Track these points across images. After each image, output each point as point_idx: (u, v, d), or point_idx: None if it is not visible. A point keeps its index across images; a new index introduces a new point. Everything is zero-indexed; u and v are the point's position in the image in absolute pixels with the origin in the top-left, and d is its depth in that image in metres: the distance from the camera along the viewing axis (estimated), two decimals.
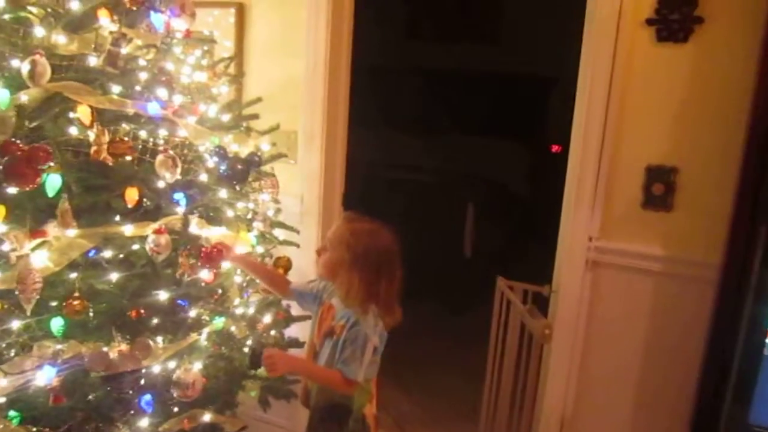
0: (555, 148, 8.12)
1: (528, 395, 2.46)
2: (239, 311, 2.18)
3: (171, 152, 1.88)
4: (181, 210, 1.96)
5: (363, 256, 1.80)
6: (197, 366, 1.99)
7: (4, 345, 1.72)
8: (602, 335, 2.38)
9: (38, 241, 1.73)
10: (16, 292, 1.64)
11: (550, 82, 6.38)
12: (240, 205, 2.32)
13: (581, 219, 2.33)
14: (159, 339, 1.85)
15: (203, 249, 1.93)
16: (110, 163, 1.80)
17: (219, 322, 2.08)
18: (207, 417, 1.99)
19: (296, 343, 2.41)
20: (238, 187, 2.27)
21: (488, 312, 2.79)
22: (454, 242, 4.69)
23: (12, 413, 1.76)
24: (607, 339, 2.38)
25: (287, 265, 2.42)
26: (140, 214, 1.88)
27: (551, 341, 2.02)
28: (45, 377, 1.73)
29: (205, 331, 2.01)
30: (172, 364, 1.90)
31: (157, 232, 1.85)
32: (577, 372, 2.41)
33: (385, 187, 4.66)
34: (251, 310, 2.24)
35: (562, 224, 2.54)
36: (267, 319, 2.36)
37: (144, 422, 1.87)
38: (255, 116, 2.51)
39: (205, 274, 2.03)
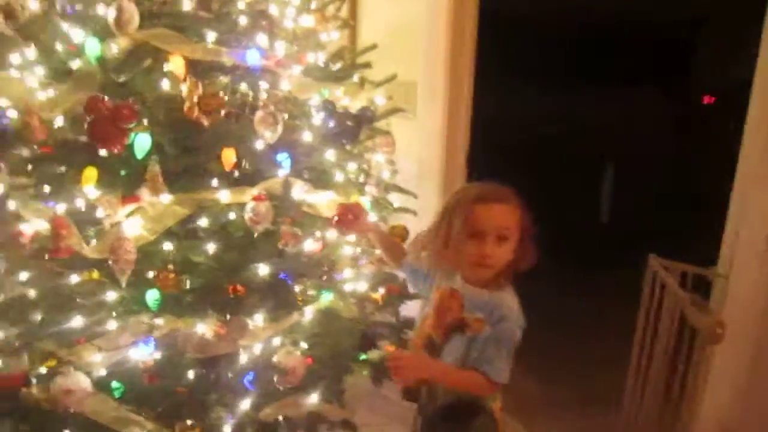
0: (707, 100, 7.19)
1: (684, 397, 2.05)
2: (348, 287, 1.94)
3: (272, 108, 1.65)
4: (283, 173, 1.73)
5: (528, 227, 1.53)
6: (301, 348, 1.80)
7: (98, 318, 1.60)
8: None
9: (131, 207, 1.58)
10: (110, 262, 1.50)
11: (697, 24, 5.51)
12: (350, 166, 2.06)
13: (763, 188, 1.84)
14: (258, 318, 1.66)
15: (337, 211, 1.78)
16: (204, 122, 1.60)
17: (326, 298, 1.86)
18: (310, 404, 1.78)
19: (412, 324, 2.16)
20: (348, 147, 2.01)
21: (623, 292, 2.35)
22: (590, 208, 4.20)
23: (115, 384, 1.66)
24: None
25: (403, 235, 2.15)
26: (238, 178, 1.68)
27: (721, 342, 1.62)
28: (140, 354, 1.61)
29: (310, 309, 1.79)
30: (272, 346, 1.71)
31: (257, 199, 1.64)
32: (746, 375, 1.97)
33: (514, 147, 4.23)
34: (361, 286, 1.99)
35: (737, 193, 2.06)
36: (379, 293, 2.11)
37: (243, 405, 1.70)
38: (368, 65, 2.22)
39: (310, 245, 1.81)
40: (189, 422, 1.64)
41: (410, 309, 2.23)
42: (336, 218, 1.77)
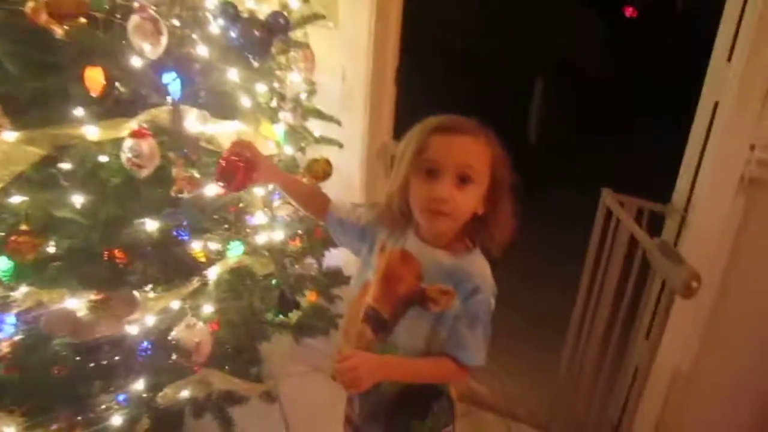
0: (628, 12, 7.02)
1: (631, 336, 1.91)
2: (261, 238, 1.60)
3: (152, 12, 1.24)
4: (171, 99, 1.34)
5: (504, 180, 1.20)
6: (205, 314, 1.47)
7: None
8: (746, 278, 1.78)
9: None
10: None
11: None
12: (259, 88, 1.68)
13: (744, 117, 1.63)
14: (149, 289, 1.31)
15: (220, 163, 1.27)
16: (57, 30, 1.18)
17: (234, 253, 1.52)
18: (221, 381, 1.48)
19: (339, 278, 1.86)
20: (255, 63, 1.62)
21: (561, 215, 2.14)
22: (517, 127, 3.97)
23: None
24: (751, 283, 1.78)
25: (326, 171, 1.82)
26: (111, 108, 1.27)
27: (693, 296, 1.43)
28: None
29: (215, 269, 1.45)
30: (169, 318, 1.38)
31: (137, 134, 1.25)
32: (704, 321, 1.84)
33: (441, 59, 3.87)
34: (277, 234, 1.66)
35: (699, 120, 1.85)
36: (298, 237, 1.79)
37: (137, 389, 1.38)
38: None
39: (211, 190, 1.44)
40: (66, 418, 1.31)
41: (337, 258, 1.94)
42: (220, 170, 1.26)
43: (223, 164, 1.25)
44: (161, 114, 1.33)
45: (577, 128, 4.53)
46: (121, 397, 1.37)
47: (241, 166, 1.24)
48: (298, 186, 1.52)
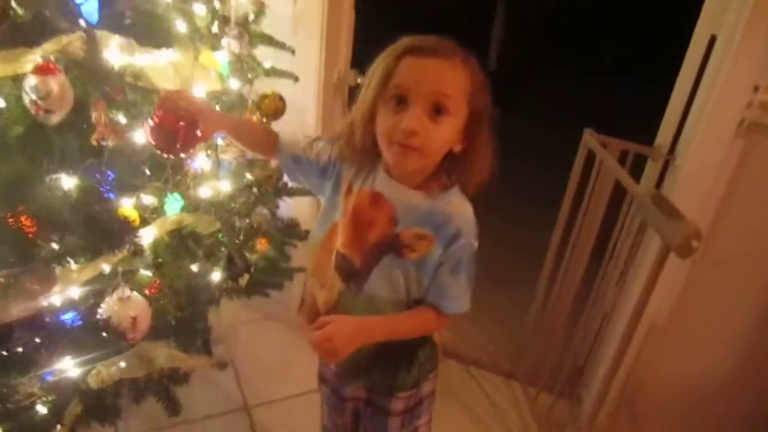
0: None
1: (606, 289, 1.81)
2: (205, 190, 1.38)
3: None
4: (85, 24, 1.07)
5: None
6: (143, 278, 1.26)
7: None
8: (735, 230, 1.67)
9: None
10: None
11: None
12: (197, 9, 1.41)
13: (748, 54, 1.46)
14: (71, 261, 1.08)
15: (153, 122, 1.01)
16: None
17: (172, 209, 1.29)
18: (165, 358, 1.29)
19: (296, 232, 1.66)
20: None
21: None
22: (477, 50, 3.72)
23: None
24: (740, 233, 1.67)
25: (277, 109, 1.58)
26: (5, 34, 1.00)
27: (691, 255, 1.31)
28: None
29: (150, 230, 1.23)
30: (96, 291, 1.16)
31: (42, 70, 0.99)
32: (686, 272, 1.74)
33: None
34: (224, 185, 1.43)
35: (691, 56, 1.69)
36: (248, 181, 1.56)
37: (61, 373, 1.18)
38: None
39: (141, 136, 1.20)
40: None
41: (293, 209, 1.73)
42: (155, 132, 1.02)
43: (157, 122, 1.00)
44: (74, 42, 1.06)
45: (541, 56, 4.32)
46: (44, 382, 1.17)
47: (180, 125, 0.99)
48: (245, 127, 1.31)
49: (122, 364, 1.25)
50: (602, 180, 1.77)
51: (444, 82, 0.96)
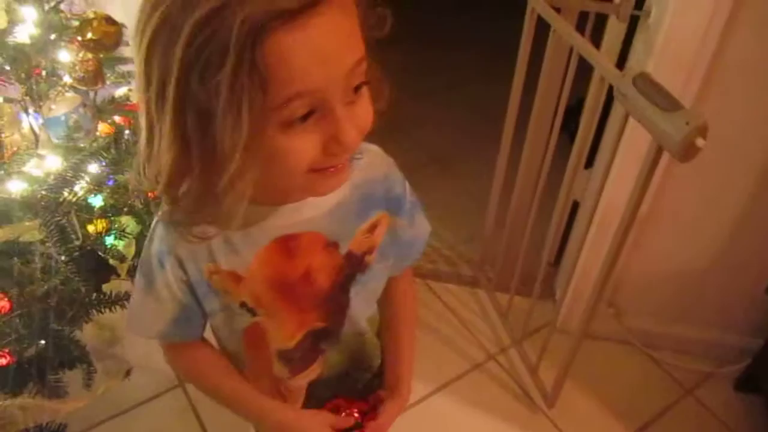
0: None
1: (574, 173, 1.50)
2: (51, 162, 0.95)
3: None
4: None
5: None
6: None
7: None
8: (722, 108, 1.34)
9: None
10: None
11: None
12: None
13: None
14: None
15: None
16: None
17: None
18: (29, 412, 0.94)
19: None
20: None
21: None
22: None
23: None
24: (727, 118, 1.35)
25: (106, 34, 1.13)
26: None
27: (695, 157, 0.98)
28: None
29: None
30: None
31: None
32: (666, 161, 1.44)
33: None
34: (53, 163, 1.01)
35: None
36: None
37: None
38: None
39: None
40: None
41: None
42: None
43: None
44: None
45: None
46: None
47: None
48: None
49: None
50: (559, 54, 1.40)
51: (351, 45, 0.54)
